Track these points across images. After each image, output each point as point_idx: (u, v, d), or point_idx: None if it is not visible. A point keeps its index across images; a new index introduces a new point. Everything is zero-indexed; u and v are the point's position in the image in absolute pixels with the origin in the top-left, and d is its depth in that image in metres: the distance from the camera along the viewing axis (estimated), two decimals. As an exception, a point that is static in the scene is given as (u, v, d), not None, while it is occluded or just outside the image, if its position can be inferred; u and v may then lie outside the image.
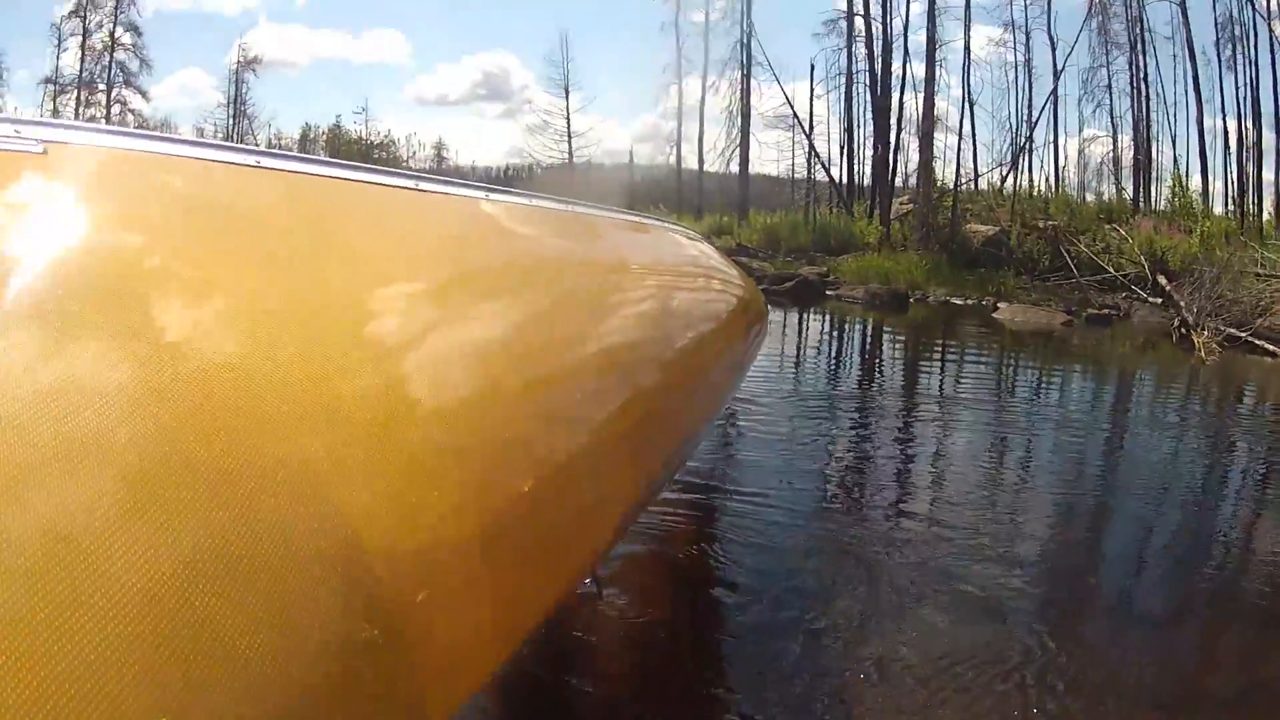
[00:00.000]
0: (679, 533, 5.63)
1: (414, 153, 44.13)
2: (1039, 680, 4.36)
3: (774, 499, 6.38)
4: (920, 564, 5.72)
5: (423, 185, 2.38)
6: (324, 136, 40.96)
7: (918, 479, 8.15)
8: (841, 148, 34.80)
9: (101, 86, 37.16)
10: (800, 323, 18.18)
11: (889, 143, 31.53)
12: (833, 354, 15.64)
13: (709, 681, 4.09)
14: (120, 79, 37.42)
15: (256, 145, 37.20)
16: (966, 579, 5.45)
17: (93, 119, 35.99)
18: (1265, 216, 26.66)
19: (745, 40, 34.85)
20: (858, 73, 33.83)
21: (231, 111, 38.64)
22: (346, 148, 39.02)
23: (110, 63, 37.09)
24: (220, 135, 37.98)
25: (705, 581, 5.06)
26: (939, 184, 28.90)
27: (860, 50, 33.41)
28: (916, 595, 5.20)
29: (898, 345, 16.62)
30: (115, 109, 37.23)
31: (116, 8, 36.71)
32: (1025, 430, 9.93)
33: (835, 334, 17.87)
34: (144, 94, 38.16)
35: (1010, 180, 30.81)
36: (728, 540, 5.62)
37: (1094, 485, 8.17)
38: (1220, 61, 29.08)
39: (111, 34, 36.88)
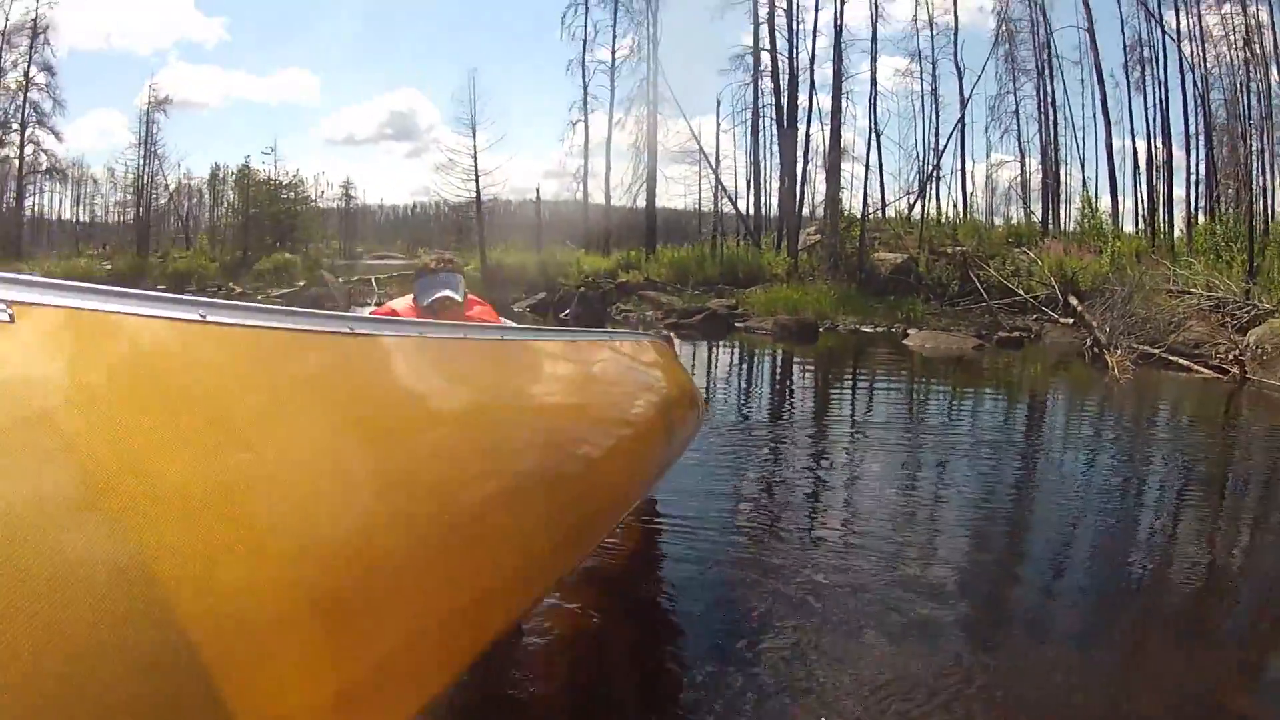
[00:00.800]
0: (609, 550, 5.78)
1: (322, 192, 43.23)
2: (955, 696, 4.41)
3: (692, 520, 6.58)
4: (837, 586, 5.77)
5: (356, 329, 2.64)
6: (233, 176, 40.32)
7: (830, 505, 8.06)
8: (748, 181, 34.89)
9: (15, 126, 36.33)
10: (710, 356, 18.01)
11: (795, 175, 31.47)
12: (743, 386, 15.33)
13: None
14: (34, 119, 36.63)
15: (167, 185, 38.12)
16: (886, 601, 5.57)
17: (5, 159, 35.98)
18: (1176, 234, 26.61)
19: (651, 77, 34.66)
20: (764, 106, 33.86)
21: (142, 152, 37.41)
22: (256, 188, 38.51)
23: (24, 102, 36.24)
24: (131, 175, 37.26)
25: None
26: (846, 214, 28.87)
27: (766, 84, 33.44)
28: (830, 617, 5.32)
29: (807, 375, 16.38)
30: (29, 149, 36.43)
31: (31, 47, 35.74)
32: (939, 454, 9.81)
33: (745, 366, 17.63)
34: (57, 134, 37.25)
35: (918, 208, 30.77)
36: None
37: (1008, 506, 8.13)
38: (1129, 83, 29.26)
39: (26, 73, 35.89)
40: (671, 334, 7.87)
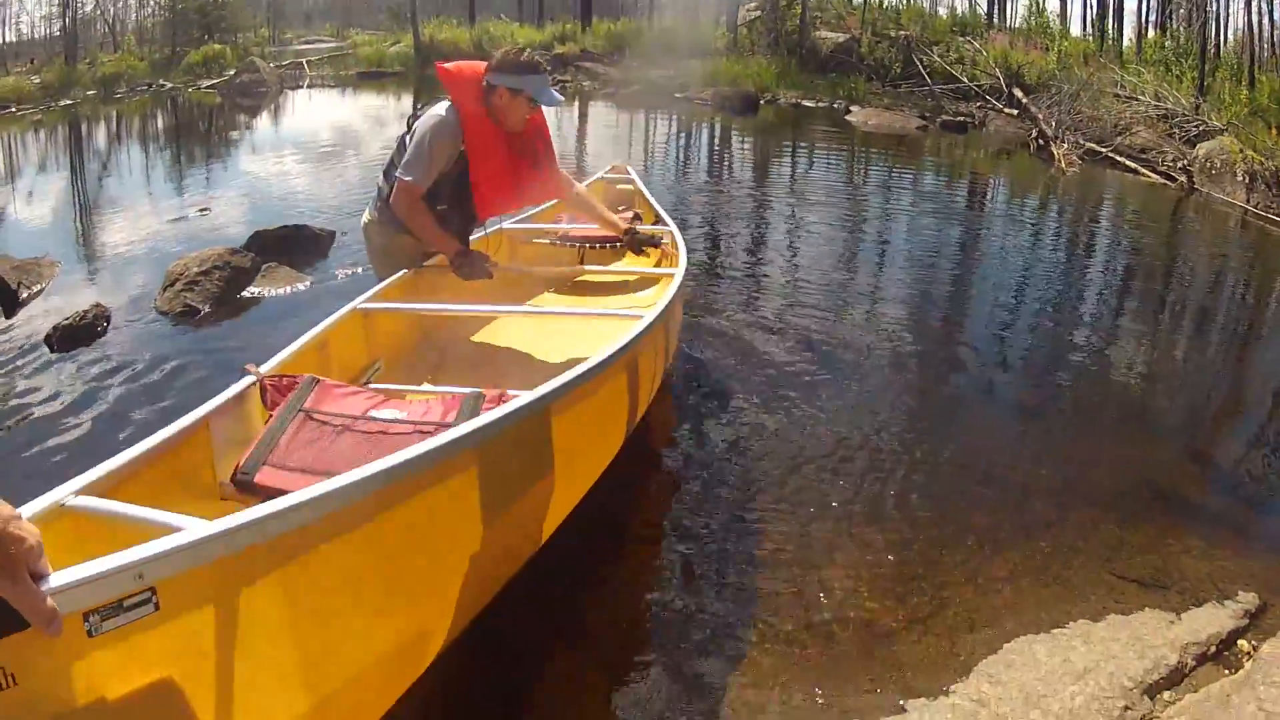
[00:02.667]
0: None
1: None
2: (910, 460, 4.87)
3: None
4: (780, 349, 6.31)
5: None
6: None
7: (769, 270, 8.40)
8: (686, -47, 33.73)
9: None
10: (647, 125, 17.92)
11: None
12: (682, 153, 15.31)
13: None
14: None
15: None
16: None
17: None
18: (1125, 43, 26.16)
19: None
20: None
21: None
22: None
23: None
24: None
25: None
26: (786, -8, 28.09)
27: None
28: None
29: (747, 144, 16.27)
30: None
31: None
32: (881, 223, 10.20)
33: (684, 135, 17.43)
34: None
35: None
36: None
37: (952, 280, 8.37)
38: None
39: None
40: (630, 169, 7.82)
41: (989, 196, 12.51)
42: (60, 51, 34.95)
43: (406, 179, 4.81)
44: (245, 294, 8.06)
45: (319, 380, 3.41)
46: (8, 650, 1.56)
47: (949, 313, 7.47)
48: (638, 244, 6.15)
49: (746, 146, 15.93)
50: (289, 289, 8.07)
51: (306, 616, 2.22)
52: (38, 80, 31.46)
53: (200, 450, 3.01)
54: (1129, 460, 5.10)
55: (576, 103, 19.61)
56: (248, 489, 2.91)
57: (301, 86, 28.68)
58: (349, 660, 2.41)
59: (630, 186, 7.87)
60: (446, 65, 5.06)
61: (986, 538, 4.22)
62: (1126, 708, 3.16)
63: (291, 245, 8.98)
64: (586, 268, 6.15)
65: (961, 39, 23.85)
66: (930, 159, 14.61)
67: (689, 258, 5.63)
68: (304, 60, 31.98)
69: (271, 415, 3.25)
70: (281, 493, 2.62)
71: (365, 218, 5.38)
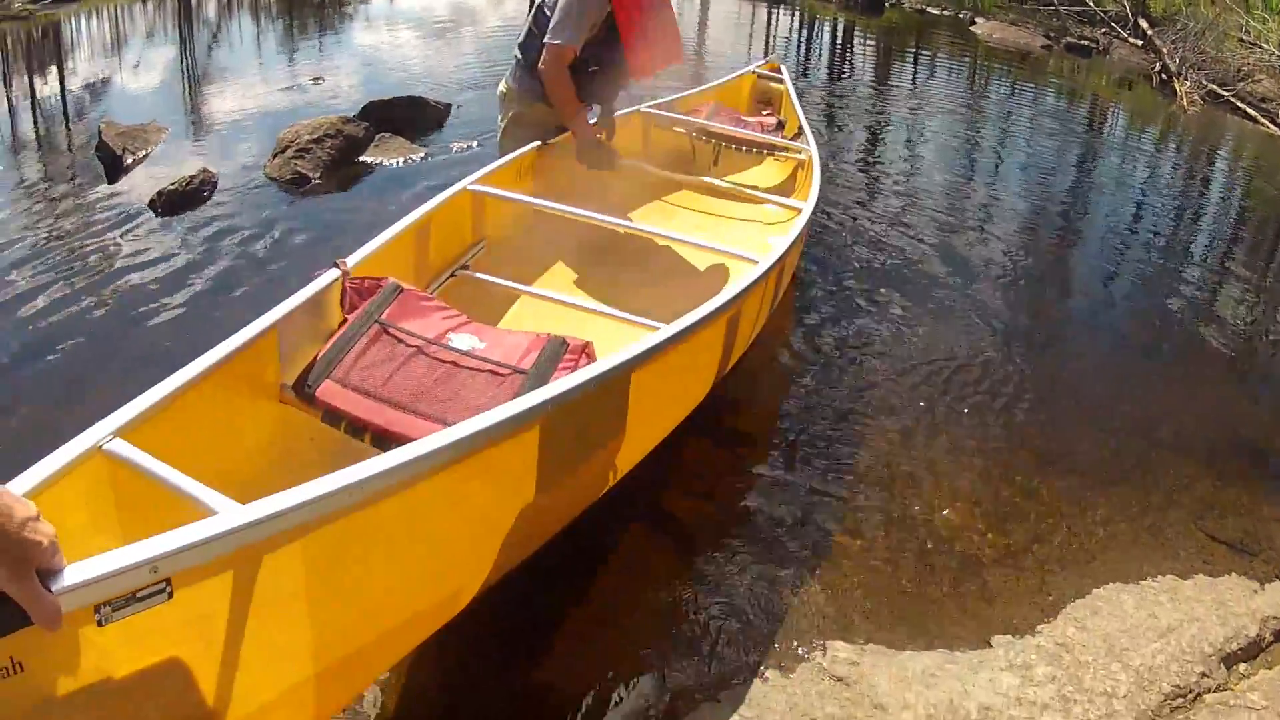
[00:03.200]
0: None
1: None
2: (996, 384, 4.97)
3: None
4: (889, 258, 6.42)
5: None
6: None
7: (884, 176, 8.47)
8: None
9: None
10: (770, 18, 17.50)
11: None
12: (804, 48, 15.28)
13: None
14: None
15: None
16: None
17: None
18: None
19: None
20: None
21: None
22: None
23: None
24: None
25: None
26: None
27: None
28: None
29: (870, 45, 15.98)
30: None
31: None
32: (997, 138, 10.17)
33: (806, 30, 17.15)
34: None
35: None
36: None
37: (1063, 205, 8.30)
38: None
39: None
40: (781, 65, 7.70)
41: (1108, 125, 12.18)
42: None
43: (556, 42, 4.78)
44: (357, 163, 8.09)
45: (401, 289, 3.34)
46: (15, 640, 1.57)
47: (1061, 237, 7.41)
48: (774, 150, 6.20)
49: (869, 47, 15.63)
50: (402, 160, 8.07)
51: (328, 585, 2.19)
52: (144, -51, 31.27)
53: (268, 347, 2.96)
54: (1230, 416, 5.06)
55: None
56: (308, 399, 2.92)
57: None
58: (370, 624, 2.38)
59: (780, 86, 7.70)
60: None
61: (1085, 476, 4.24)
62: (1203, 674, 3.18)
63: (406, 116, 8.93)
64: (713, 181, 5.85)
65: (1090, -41, 23.07)
66: (1053, 79, 14.22)
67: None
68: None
69: (347, 320, 3.21)
70: (338, 413, 2.85)
71: (501, 87, 5.38)
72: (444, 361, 3.03)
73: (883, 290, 5.94)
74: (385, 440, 2.70)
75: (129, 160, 8.52)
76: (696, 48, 14.08)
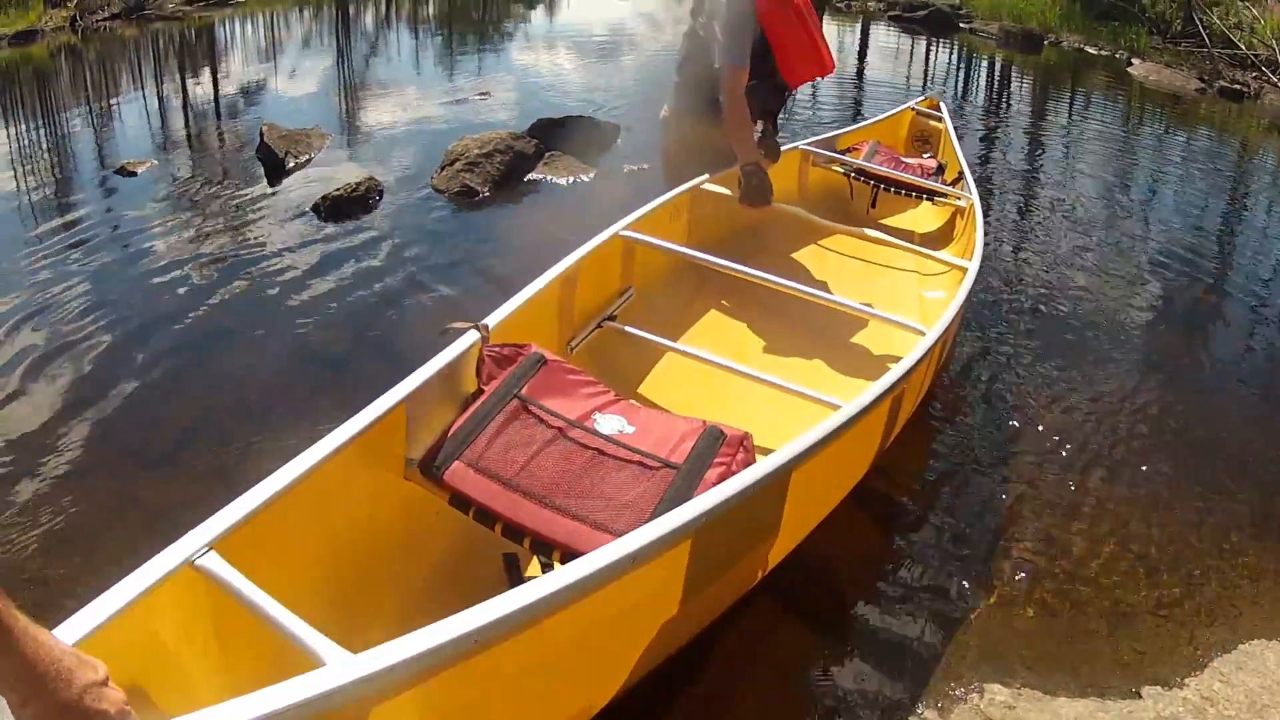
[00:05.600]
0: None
1: None
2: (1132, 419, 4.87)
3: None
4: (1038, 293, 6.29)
5: None
6: None
7: (1039, 205, 8.44)
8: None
9: None
10: (929, 52, 17.36)
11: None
12: (964, 83, 15.04)
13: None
14: None
15: None
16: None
17: None
18: None
19: None
20: None
21: None
22: None
23: None
24: None
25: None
26: (1074, -72, 26.62)
27: None
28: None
29: (1027, 84, 15.69)
30: None
31: None
32: (1150, 175, 9.94)
33: (965, 66, 16.91)
34: None
35: None
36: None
37: (1213, 247, 7.96)
38: None
39: None
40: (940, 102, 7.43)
41: (1258, 170, 11.68)
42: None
43: (731, 64, 4.72)
44: (526, 180, 8.07)
45: (545, 360, 3.09)
46: None
47: (1212, 288, 7.00)
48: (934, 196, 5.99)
49: (1027, 86, 15.27)
50: (571, 178, 8.14)
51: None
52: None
53: (396, 421, 2.74)
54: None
55: (858, 24, 19.08)
56: (435, 480, 2.71)
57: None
58: None
59: (939, 125, 7.41)
60: None
61: (1236, 530, 4.14)
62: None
63: (575, 135, 8.77)
64: (873, 234, 5.37)
65: (1242, 2, 22.41)
66: (1204, 124, 13.69)
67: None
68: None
69: (485, 392, 2.99)
70: (468, 499, 2.63)
71: (663, 111, 5.39)
72: (588, 448, 2.78)
73: (1033, 332, 5.79)
74: (517, 533, 2.55)
75: (291, 163, 8.65)
76: (855, 77, 14.04)
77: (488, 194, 7.57)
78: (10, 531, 3.98)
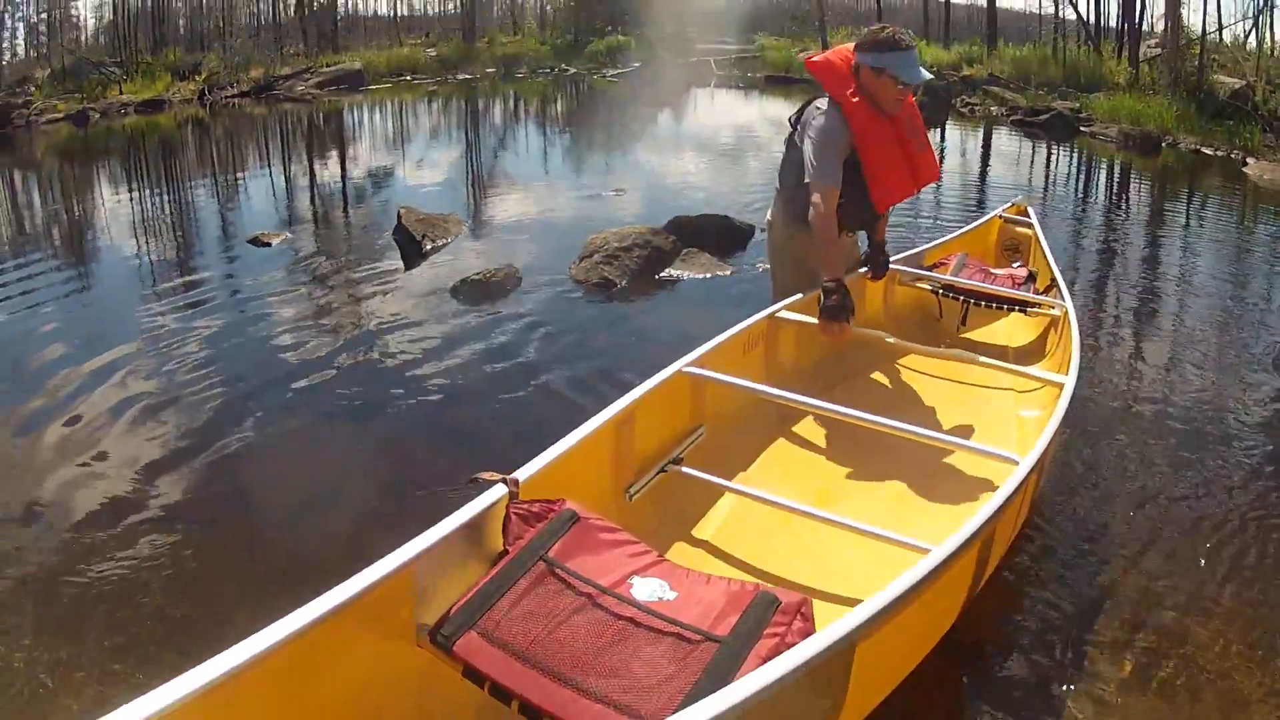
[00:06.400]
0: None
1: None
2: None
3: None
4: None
5: None
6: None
7: (1151, 321, 7.86)
8: (1086, -16, 32.48)
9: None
10: (1050, 157, 17.34)
11: (1136, -18, 29.16)
12: (1081, 186, 14.81)
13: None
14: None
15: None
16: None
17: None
18: None
19: None
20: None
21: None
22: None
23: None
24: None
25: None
26: (1185, 30, 26.07)
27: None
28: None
29: (1145, 187, 15.47)
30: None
31: None
32: (1266, 282, 9.37)
33: (1084, 170, 16.79)
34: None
35: (1253, 36, 27.10)
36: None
37: None
38: None
39: None
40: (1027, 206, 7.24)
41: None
42: (458, 29, 36.49)
43: (822, 183, 4.66)
44: (663, 275, 8.17)
45: (578, 517, 2.82)
46: None
47: None
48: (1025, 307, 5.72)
49: (1144, 190, 15.11)
50: (708, 275, 8.22)
51: None
52: (433, 53, 32.97)
53: (404, 581, 2.50)
54: None
55: (981, 128, 19.14)
56: (445, 650, 2.44)
57: (709, 85, 28.79)
58: None
59: (1028, 231, 7.09)
60: (814, 58, 4.94)
61: None
62: None
63: (711, 233, 8.92)
64: (961, 354, 5.01)
65: (1354, 101, 22.08)
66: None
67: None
68: (711, 59, 32.34)
69: (509, 553, 2.72)
70: (479, 674, 2.33)
71: (768, 216, 5.42)
72: (620, 617, 2.50)
73: (1144, 445, 5.40)
74: (534, 713, 2.25)
75: (428, 246, 9.00)
76: (974, 184, 14.01)
77: (625, 286, 7.66)
78: (135, 569, 4.20)
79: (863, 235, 5.49)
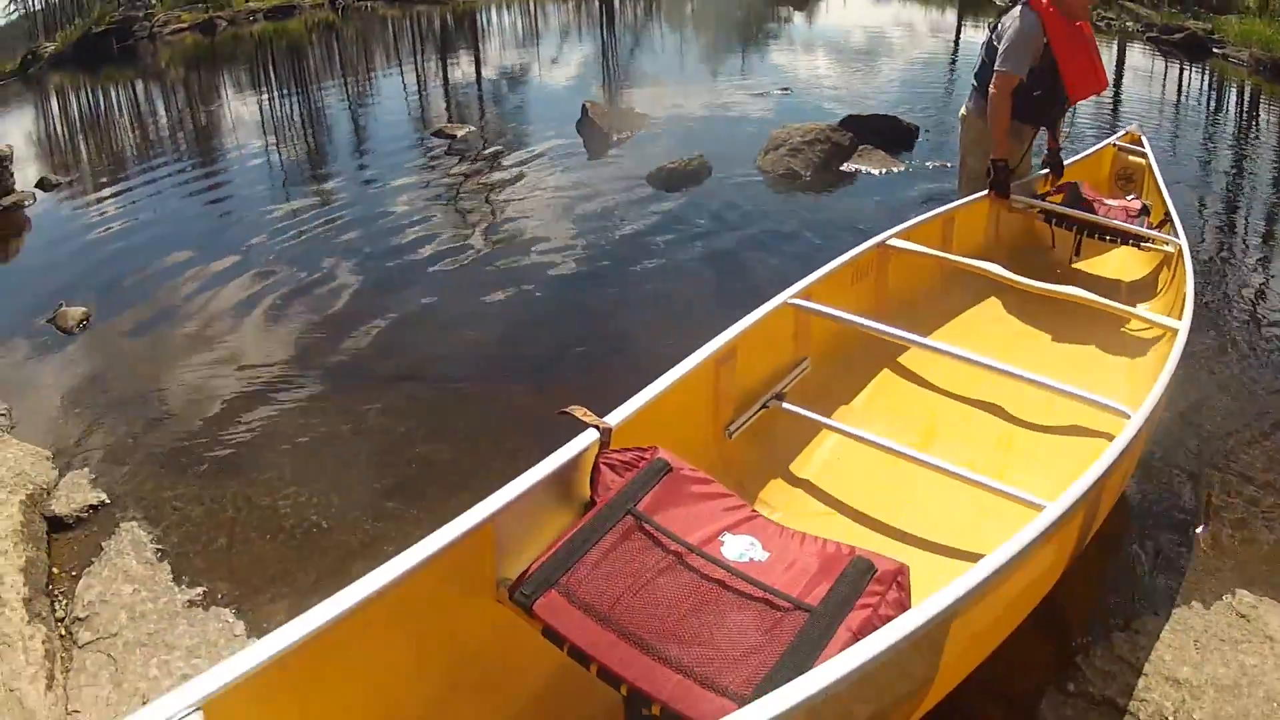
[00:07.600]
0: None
1: None
2: None
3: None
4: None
5: None
6: None
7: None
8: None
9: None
10: (1182, 76, 17.24)
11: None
12: (1206, 110, 14.56)
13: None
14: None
15: None
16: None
17: None
18: None
19: None
20: None
21: None
22: None
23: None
24: None
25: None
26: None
27: None
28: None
29: (1274, 115, 14.85)
30: None
31: None
32: None
33: (1213, 91, 16.65)
34: None
35: None
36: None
37: None
38: None
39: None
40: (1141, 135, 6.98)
41: None
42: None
43: (1004, 69, 5.48)
44: (843, 168, 8.72)
45: (670, 467, 2.69)
46: None
47: None
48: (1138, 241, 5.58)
49: (1274, 119, 14.40)
50: (883, 170, 8.74)
51: None
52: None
53: (483, 538, 2.43)
54: None
55: (1115, 44, 19.04)
56: (525, 609, 2.34)
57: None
58: None
59: (1142, 161, 6.74)
60: None
61: None
62: None
63: (882, 132, 9.49)
64: (1073, 291, 4.61)
65: None
66: None
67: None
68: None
69: (595, 504, 2.62)
70: (558, 635, 2.26)
71: (962, 110, 6.17)
72: (708, 579, 2.39)
73: (1254, 396, 5.09)
74: (614, 679, 2.15)
75: (615, 138, 9.13)
76: (1095, 103, 13.02)
77: (809, 177, 8.28)
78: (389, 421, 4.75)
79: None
